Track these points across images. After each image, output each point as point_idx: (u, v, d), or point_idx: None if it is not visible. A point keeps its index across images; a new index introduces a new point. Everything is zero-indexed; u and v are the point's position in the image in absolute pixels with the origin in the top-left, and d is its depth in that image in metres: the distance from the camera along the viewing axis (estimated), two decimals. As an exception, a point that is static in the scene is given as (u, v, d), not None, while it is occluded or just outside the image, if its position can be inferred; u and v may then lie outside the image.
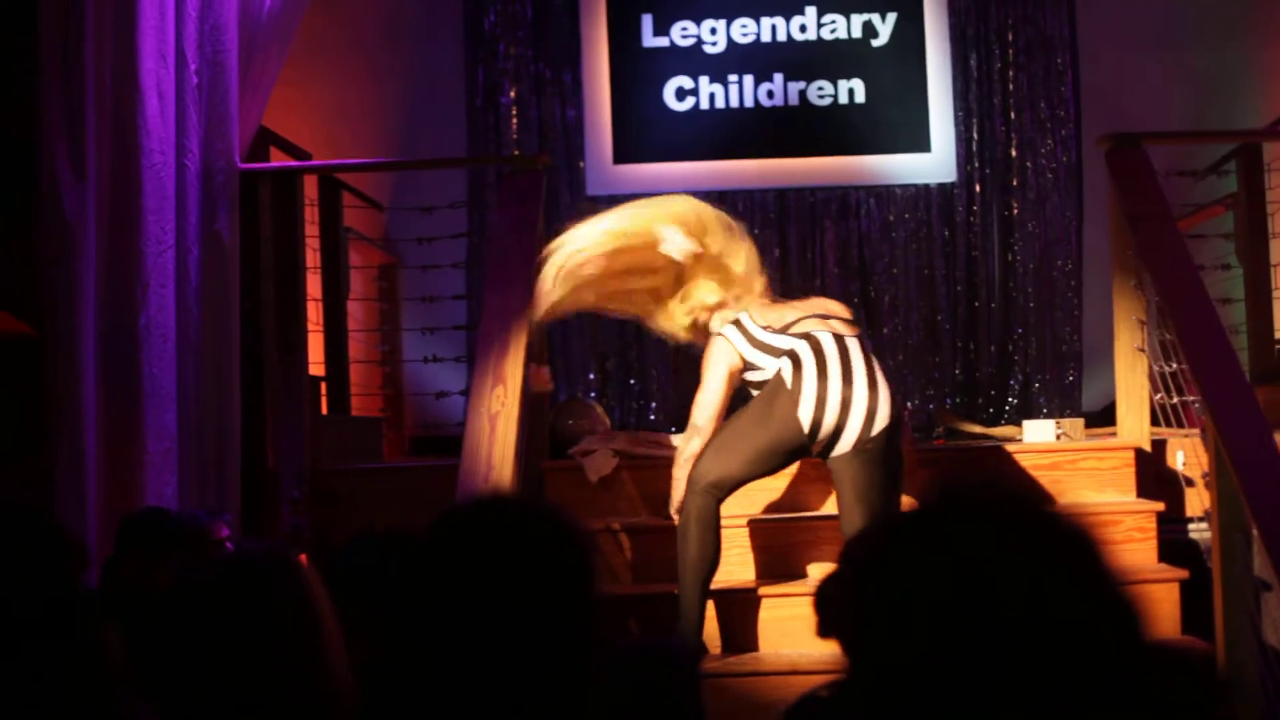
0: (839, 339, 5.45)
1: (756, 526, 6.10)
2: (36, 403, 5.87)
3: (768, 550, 6.08)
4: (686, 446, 5.54)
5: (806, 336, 5.45)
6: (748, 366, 5.51)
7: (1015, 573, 1.30)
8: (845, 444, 5.34)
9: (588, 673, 1.74)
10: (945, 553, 1.34)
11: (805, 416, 5.32)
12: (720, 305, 5.63)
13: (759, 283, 5.67)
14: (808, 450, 5.44)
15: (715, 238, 5.62)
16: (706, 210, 5.69)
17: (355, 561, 3.08)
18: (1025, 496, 1.41)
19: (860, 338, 5.54)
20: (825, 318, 5.55)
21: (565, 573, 1.74)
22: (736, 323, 5.57)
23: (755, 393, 5.55)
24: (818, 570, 5.95)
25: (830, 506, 6.06)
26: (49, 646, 1.99)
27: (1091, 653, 1.28)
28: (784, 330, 5.50)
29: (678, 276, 5.67)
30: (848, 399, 5.32)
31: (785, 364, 5.40)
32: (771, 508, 6.30)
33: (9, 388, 6.18)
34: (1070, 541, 1.35)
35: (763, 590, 5.84)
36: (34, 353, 5.93)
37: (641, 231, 5.63)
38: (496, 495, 1.86)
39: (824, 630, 2.61)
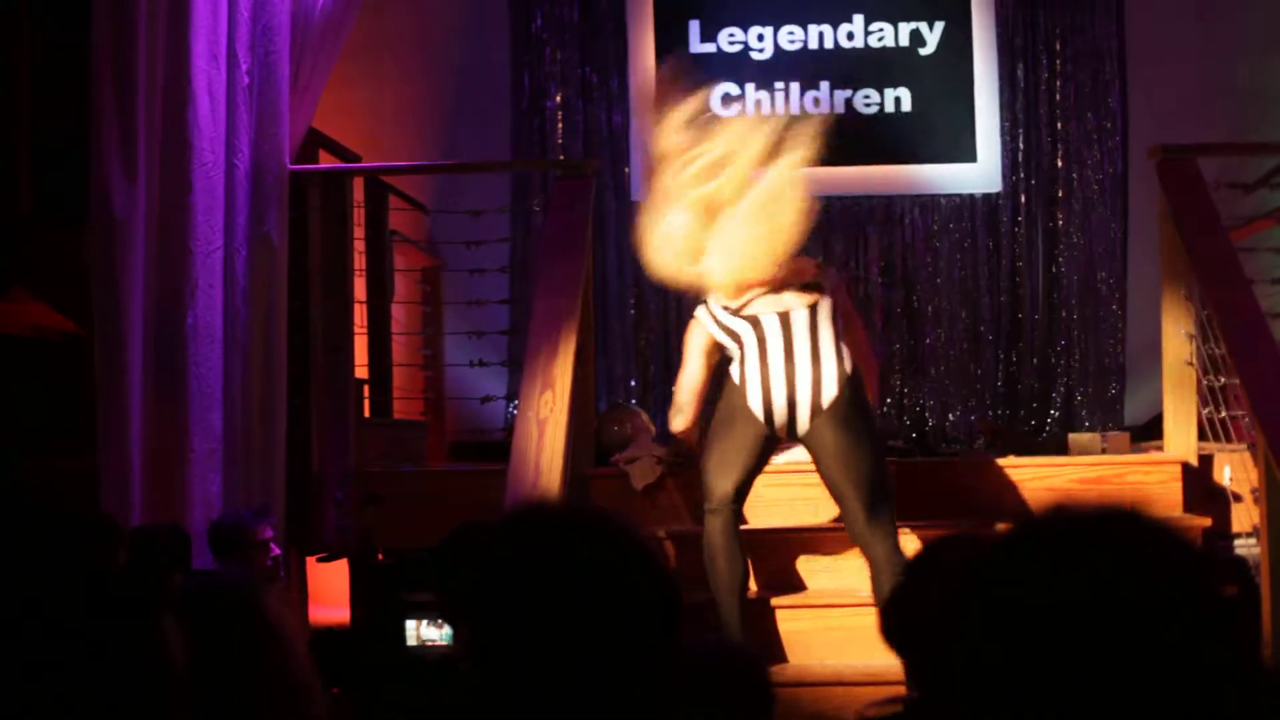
0: (783, 317, 5.51)
1: (756, 539, 6.06)
2: (84, 402, 5.90)
3: (769, 561, 6.04)
4: (672, 423, 5.82)
5: (752, 320, 5.53)
6: (721, 345, 5.61)
7: (1132, 587, 1.29)
8: (803, 419, 5.42)
9: (670, 674, 1.74)
10: (1063, 562, 1.33)
11: (755, 404, 5.42)
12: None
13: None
14: (775, 435, 5.50)
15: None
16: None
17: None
18: (1144, 512, 1.40)
19: (813, 308, 5.53)
20: (779, 292, 5.57)
21: (652, 578, 1.74)
22: (706, 304, 5.67)
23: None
24: (830, 580, 5.96)
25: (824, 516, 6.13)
26: (95, 644, 1.97)
27: (1197, 674, 1.27)
28: (738, 312, 5.56)
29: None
30: (791, 375, 5.41)
31: (734, 351, 5.51)
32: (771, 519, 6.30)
33: (58, 386, 6.21)
34: (1186, 562, 1.34)
35: (775, 601, 5.83)
36: (82, 352, 5.96)
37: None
38: (569, 504, 1.84)
39: (893, 639, 2.59)
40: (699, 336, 5.68)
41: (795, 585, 6.00)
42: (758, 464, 5.58)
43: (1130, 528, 1.38)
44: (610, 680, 1.68)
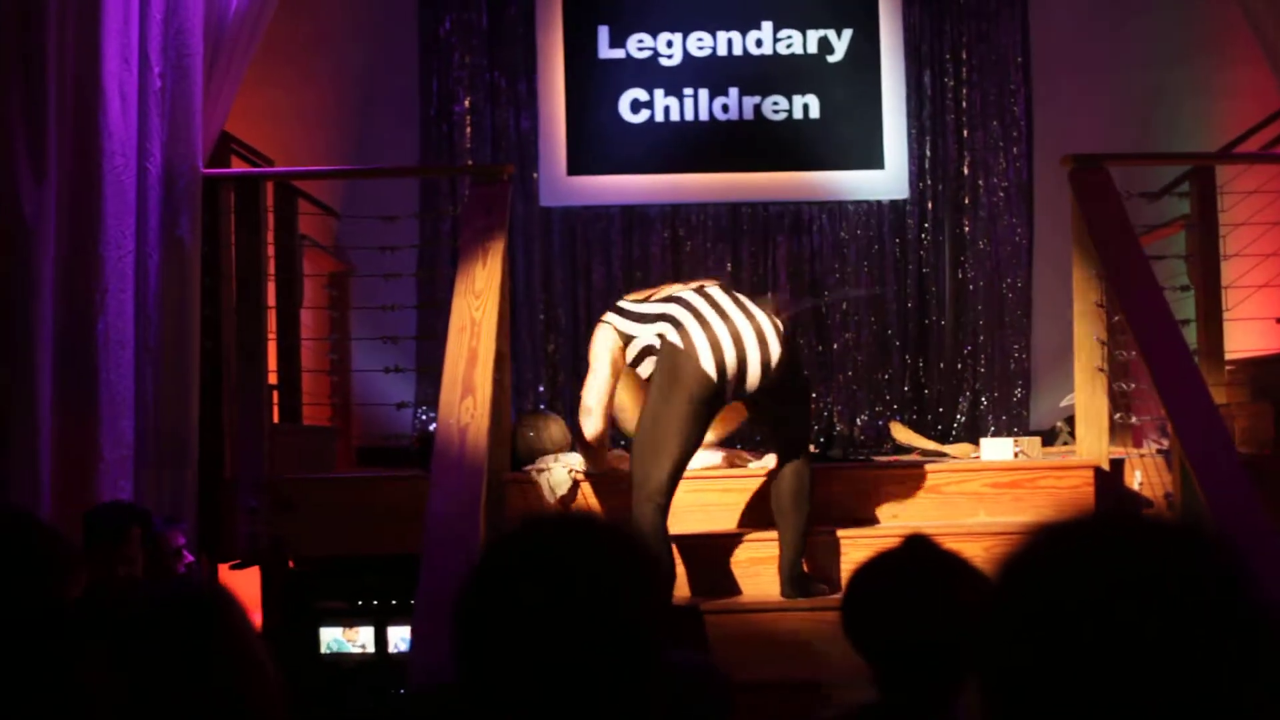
0: (700, 289, 5.81)
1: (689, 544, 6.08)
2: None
3: (689, 566, 6.05)
4: (584, 428, 6.03)
5: (672, 299, 5.76)
6: (627, 341, 5.78)
7: (1167, 593, 1.29)
8: (753, 375, 5.60)
9: (653, 683, 1.73)
10: (1093, 563, 1.32)
11: (709, 364, 5.53)
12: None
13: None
14: (723, 397, 5.63)
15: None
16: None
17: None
18: (1177, 519, 1.40)
19: (722, 286, 5.91)
20: (687, 282, 5.93)
21: (637, 584, 1.73)
22: (615, 308, 5.93)
23: (647, 375, 5.74)
24: (753, 586, 5.98)
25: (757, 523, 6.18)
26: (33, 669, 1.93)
27: (1223, 686, 1.27)
28: (648, 299, 5.84)
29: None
30: (735, 332, 5.59)
31: (666, 328, 5.63)
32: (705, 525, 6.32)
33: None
34: (1217, 573, 1.33)
35: (704, 606, 5.84)
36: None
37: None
38: (558, 515, 1.82)
39: (857, 634, 2.58)
40: (606, 340, 5.86)
41: (721, 590, 6.00)
42: (699, 437, 5.63)
43: (1161, 534, 1.37)
44: (599, 688, 1.67)
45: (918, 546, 2.59)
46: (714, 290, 5.79)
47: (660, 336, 5.64)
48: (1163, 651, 1.27)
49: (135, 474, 6.09)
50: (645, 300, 5.88)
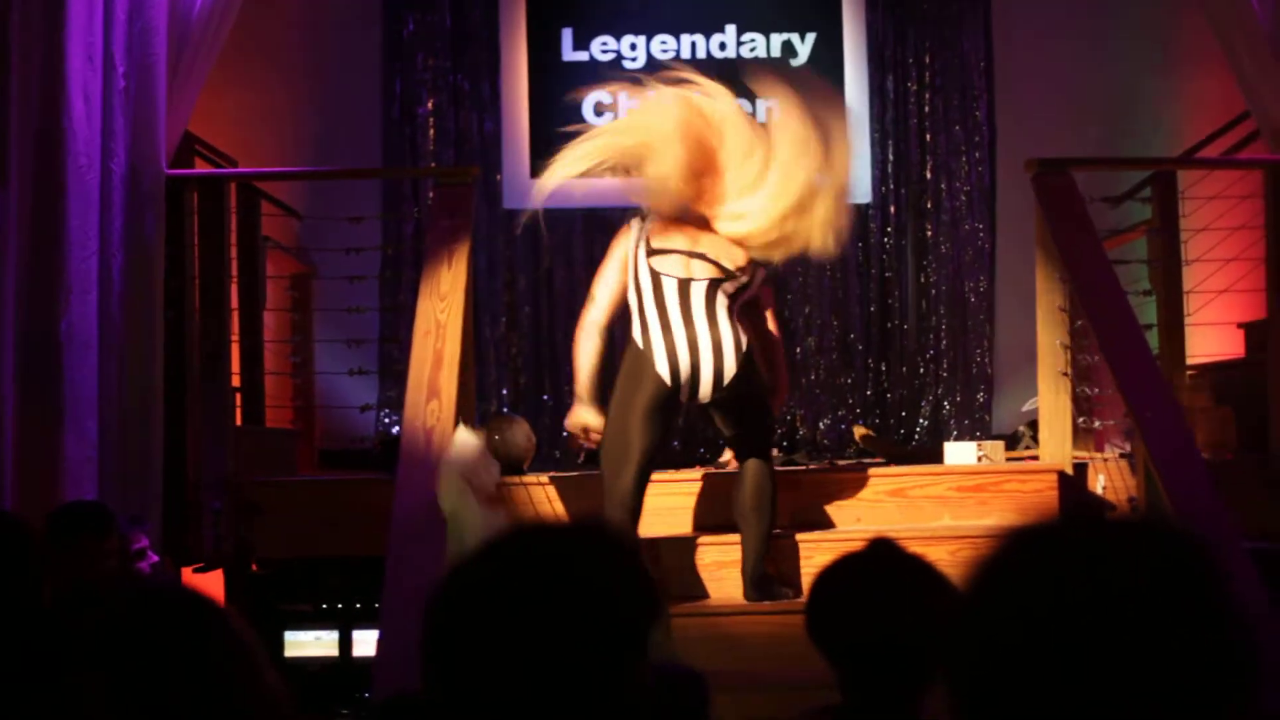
0: (683, 285, 5.68)
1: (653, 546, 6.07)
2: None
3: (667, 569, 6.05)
4: (585, 316, 5.85)
5: (654, 277, 5.69)
6: (626, 270, 5.80)
7: (1140, 596, 1.30)
8: (705, 387, 5.63)
9: (638, 690, 1.72)
10: (1067, 565, 1.33)
11: (663, 367, 5.57)
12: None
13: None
14: (678, 401, 5.68)
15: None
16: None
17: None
18: (1164, 520, 1.40)
19: (713, 283, 5.70)
20: (696, 256, 5.71)
21: (623, 587, 1.72)
22: (641, 219, 5.84)
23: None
24: (716, 589, 5.99)
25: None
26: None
27: (1197, 684, 1.28)
28: (654, 252, 5.71)
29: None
30: (693, 339, 5.60)
31: (637, 324, 5.68)
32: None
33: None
34: (1201, 578, 1.34)
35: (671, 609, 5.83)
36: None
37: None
38: (545, 524, 1.80)
39: (820, 637, 2.59)
40: (623, 244, 5.84)
41: (687, 593, 5.99)
42: (660, 439, 5.67)
43: (1132, 533, 1.38)
44: (580, 696, 1.65)
45: (881, 549, 2.60)
46: (696, 289, 5.67)
47: (633, 329, 5.69)
48: (1137, 650, 1.27)
49: (99, 475, 6.06)
50: (650, 253, 5.71)
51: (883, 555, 2.59)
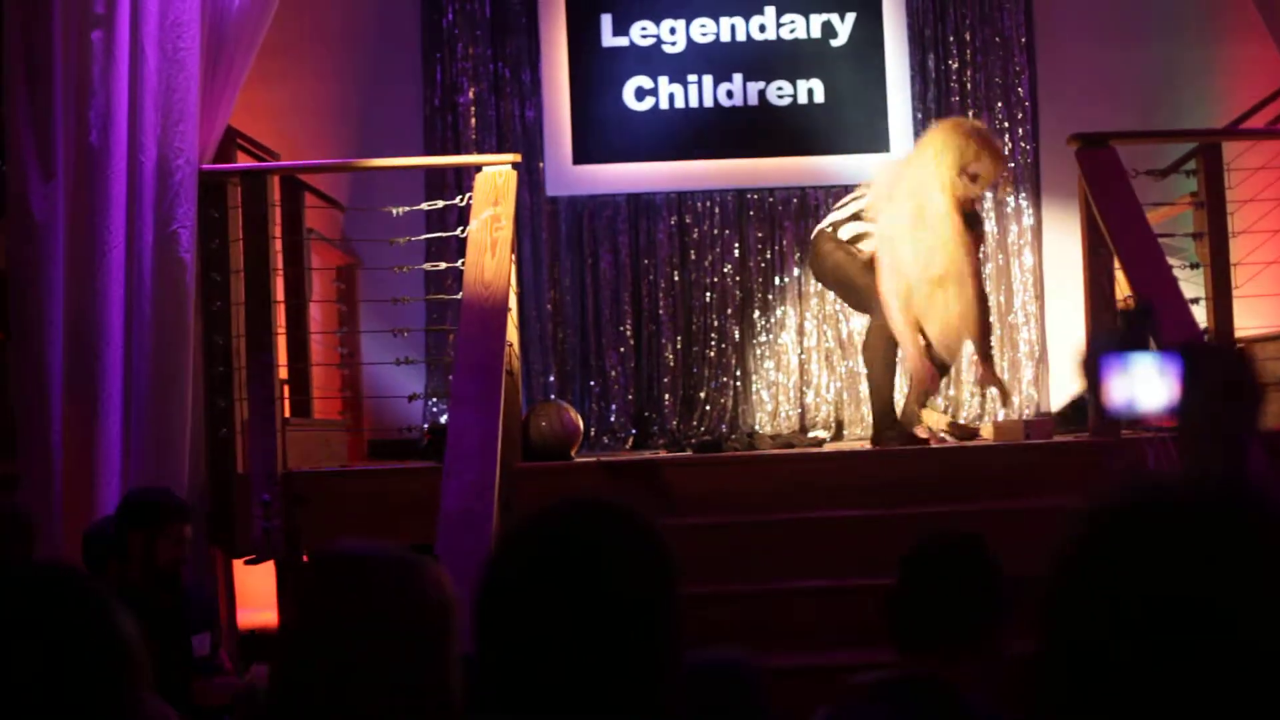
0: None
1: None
2: (4, 407, 5.81)
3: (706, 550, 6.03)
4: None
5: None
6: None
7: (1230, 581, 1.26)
8: None
9: (675, 674, 1.73)
10: (1171, 538, 1.29)
11: None
12: None
13: None
14: None
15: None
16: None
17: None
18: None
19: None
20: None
21: (656, 572, 1.74)
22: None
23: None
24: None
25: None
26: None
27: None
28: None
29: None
30: None
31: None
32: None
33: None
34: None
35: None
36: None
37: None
38: (581, 499, 1.82)
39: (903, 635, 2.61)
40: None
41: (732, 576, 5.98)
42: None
43: (1228, 505, 1.33)
44: (619, 672, 1.67)
45: (971, 545, 2.62)
46: None
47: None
48: (1249, 624, 1.23)
49: (123, 467, 6.08)
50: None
51: (970, 552, 2.62)
